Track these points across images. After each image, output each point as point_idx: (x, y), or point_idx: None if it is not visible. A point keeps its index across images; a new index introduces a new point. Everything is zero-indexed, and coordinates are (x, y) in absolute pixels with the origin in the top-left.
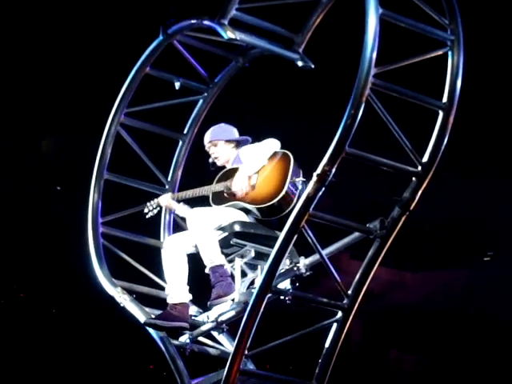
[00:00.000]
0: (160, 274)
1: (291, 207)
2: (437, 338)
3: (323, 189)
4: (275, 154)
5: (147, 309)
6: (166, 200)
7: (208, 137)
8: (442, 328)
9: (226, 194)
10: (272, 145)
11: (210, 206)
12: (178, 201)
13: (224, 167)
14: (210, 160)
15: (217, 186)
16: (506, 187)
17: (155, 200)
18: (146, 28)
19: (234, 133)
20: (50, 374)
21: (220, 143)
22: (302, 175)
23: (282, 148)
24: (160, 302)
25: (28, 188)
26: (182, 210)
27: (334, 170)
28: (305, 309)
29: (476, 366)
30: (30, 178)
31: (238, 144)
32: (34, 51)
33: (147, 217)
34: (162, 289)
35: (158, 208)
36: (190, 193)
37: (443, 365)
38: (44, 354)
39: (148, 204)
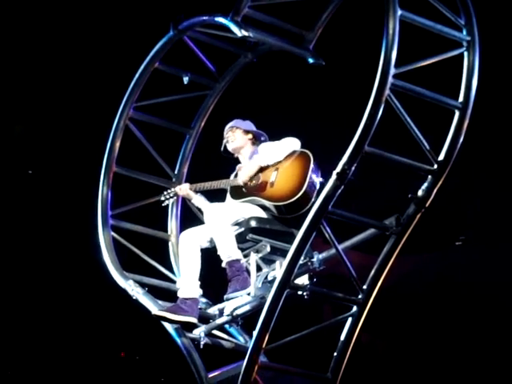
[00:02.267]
0: (169, 267)
1: (308, 206)
2: (409, 322)
3: (342, 187)
4: (295, 152)
5: (160, 302)
6: (184, 190)
7: (229, 124)
8: (413, 312)
9: (244, 189)
10: (292, 143)
11: (225, 198)
12: (196, 192)
13: (237, 162)
14: (224, 142)
15: (235, 181)
16: (479, 174)
17: (172, 189)
18: (156, 23)
19: (253, 128)
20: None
21: (238, 130)
22: (320, 175)
23: (302, 147)
24: (170, 295)
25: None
26: (199, 200)
27: (353, 169)
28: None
29: (448, 348)
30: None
31: (255, 138)
32: (36, 46)
33: (163, 205)
34: (172, 281)
35: (175, 197)
36: (207, 185)
37: (415, 348)
38: (55, 349)
39: (165, 193)
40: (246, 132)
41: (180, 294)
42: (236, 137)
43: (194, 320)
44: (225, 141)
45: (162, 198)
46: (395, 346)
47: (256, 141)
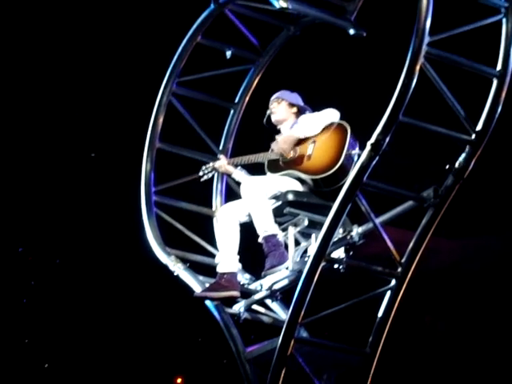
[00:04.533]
0: (213, 243)
1: (345, 180)
2: (470, 304)
3: (377, 158)
4: (333, 124)
5: (201, 277)
6: (222, 165)
7: (276, 94)
8: (475, 294)
9: (281, 163)
10: (330, 115)
11: (264, 173)
12: (235, 166)
13: (278, 133)
14: (267, 113)
15: (272, 154)
16: None
17: (211, 164)
18: None
19: (300, 101)
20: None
21: (283, 102)
22: (358, 148)
23: (341, 118)
24: (213, 270)
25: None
26: (238, 174)
27: (387, 139)
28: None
29: (509, 330)
30: (65, 146)
31: (299, 112)
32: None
33: (202, 180)
34: (215, 257)
35: (214, 172)
36: (245, 159)
37: (476, 330)
38: (97, 324)
39: (203, 167)
40: (291, 105)
41: (219, 269)
42: (280, 109)
43: (235, 293)
44: (269, 111)
45: (201, 173)
46: (456, 327)
47: (300, 114)
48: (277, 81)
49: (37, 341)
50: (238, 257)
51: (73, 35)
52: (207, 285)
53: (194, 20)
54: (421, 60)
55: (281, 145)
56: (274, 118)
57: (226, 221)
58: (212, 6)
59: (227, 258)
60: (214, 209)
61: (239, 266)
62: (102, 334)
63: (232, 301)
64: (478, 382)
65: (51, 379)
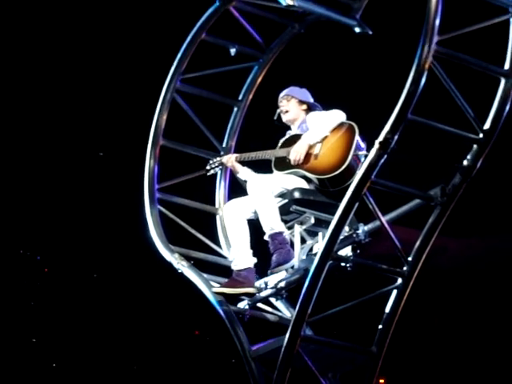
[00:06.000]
0: (216, 240)
1: (352, 180)
2: (479, 304)
3: (385, 156)
4: (341, 125)
5: (205, 275)
6: (230, 160)
7: (285, 91)
8: (484, 294)
9: (288, 161)
10: (338, 116)
11: (271, 170)
12: (241, 162)
13: (288, 129)
14: (278, 111)
15: (280, 152)
16: None
17: (218, 158)
18: None
19: (309, 97)
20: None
21: (293, 100)
22: (365, 149)
23: (347, 119)
24: (217, 268)
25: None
26: (245, 173)
27: (396, 138)
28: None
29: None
30: (74, 145)
31: (309, 109)
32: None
33: (208, 174)
34: (218, 255)
35: (220, 166)
36: (253, 155)
37: (486, 330)
38: (102, 320)
39: (210, 162)
40: (301, 102)
41: (234, 267)
42: (290, 107)
43: (251, 290)
44: (279, 110)
45: (208, 167)
46: (465, 327)
47: (309, 109)
48: (281, 78)
49: (44, 340)
50: (252, 251)
51: (78, 33)
52: (211, 282)
53: (198, 17)
54: (430, 59)
55: (294, 153)
56: (285, 118)
57: (234, 217)
58: (217, 3)
59: (241, 254)
60: (217, 206)
61: (255, 260)
62: (106, 332)
63: (237, 298)
64: (485, 383)
65: (59, 378)
